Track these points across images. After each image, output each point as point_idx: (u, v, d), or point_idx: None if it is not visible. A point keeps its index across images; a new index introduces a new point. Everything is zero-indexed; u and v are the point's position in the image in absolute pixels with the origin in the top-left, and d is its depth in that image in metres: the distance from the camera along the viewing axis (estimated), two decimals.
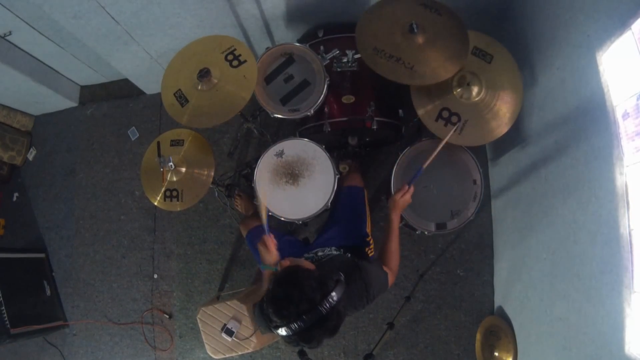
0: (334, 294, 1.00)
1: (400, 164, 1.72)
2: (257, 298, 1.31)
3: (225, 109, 1.62)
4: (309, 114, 1.72)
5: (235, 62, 1.66)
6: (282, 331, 0.99)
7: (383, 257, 1.37)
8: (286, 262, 1.15)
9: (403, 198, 1.40)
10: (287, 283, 1.02)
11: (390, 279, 1.31)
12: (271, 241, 1.28)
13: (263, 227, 1.29)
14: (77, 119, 2.90)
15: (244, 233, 1.84)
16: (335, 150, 2.19)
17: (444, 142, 1.46)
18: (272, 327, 1.02)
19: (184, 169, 1.80)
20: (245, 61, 1.66)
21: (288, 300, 0.98)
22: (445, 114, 1.59)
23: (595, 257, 1.29)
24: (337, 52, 1.71)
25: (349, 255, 1.44)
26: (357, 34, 1.51)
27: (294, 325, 0.96)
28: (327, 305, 0.98)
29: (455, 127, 1.54)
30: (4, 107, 2.81)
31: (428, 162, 1.44)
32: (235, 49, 1.67)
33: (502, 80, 1.60)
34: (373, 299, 1.23)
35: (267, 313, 1.01)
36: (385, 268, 1.31)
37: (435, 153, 1.44)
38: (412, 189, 1.42)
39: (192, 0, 1.85)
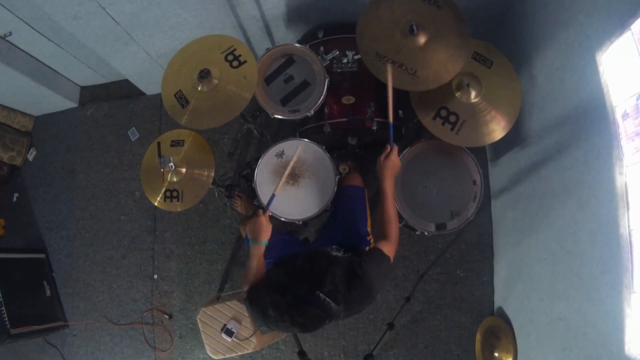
0: (332, 303, 1.01)
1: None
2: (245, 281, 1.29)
3: (226, 109, 1.62)
4: (309, 114, 1.72)
5: (235, 63, 1.66)
6: (277, 297, 1.00)
7: (381, 228, 1.33)
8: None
9: (388, 159, 1.35)
10: (322, 261, 1.05)
11: (391, 250, 1.27)
12: (268, 215, 1.37)
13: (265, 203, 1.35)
14: (77, 119, 2.91)
15: (244, 233, 1.84)
16: (335, 150, 2.19)
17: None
18: (275, 289, 1.03)
19: (184, 170, 1.80)
20: (245, 61, 1.66)
21: (311, 271, 1.02)
22: (444, 112, 1.59)
23: (595, 257, 1.29)
24: (337, 52, 1.71)
25: (349, 255, 1.44)
26: (357, 38, 1.50)
27: (292, 293, 0.99)
28: (329, 300, 1.00)
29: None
30: (4, 107, 2.81)
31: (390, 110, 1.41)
32: (235, 49, 1.67)
33: (501, 84, 1.61)
34: (377, 294, 1.23)
35: (274, 274, 1.03)
36: (384, 243, 1.27)
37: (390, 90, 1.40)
38: (395, 147, 1.37)
39: (192, 0, 1.85)
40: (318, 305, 1.00)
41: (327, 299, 1.00)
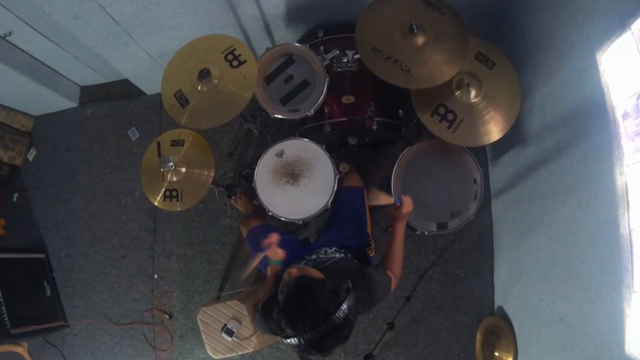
0: (345, 304, 0.99)
1: (400, 164, 1.72)
2: (257, 298, 1.31)
3: (226, 109, 1.62)
4: (309, 114, 1.72)
5: (235, 62, 1.66)
6: (294, 341, 0.98)
7: (387, 261, 1.37)
8: (294, 271, 1.13)
9: (398, 211, 1.40)
10: (301, 294, 1.01)
11: (393, 283, 1.31)
12: (274, 238, 1.33)
13: (266, 230, 1.35)
14: (77, 119, 2.90)
15: (245, 232, 1.84)
16: (335, 150, 2.19)
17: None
18: (283, 336, 1.01)
19: (184, 169, 1.80)
20: (245, 61, 1.66)
21: (302, 312, 0.97)
22: (442, 110, 1.60)
23: (595, 257, 1.29)
24: (337, 52, 1.71)
25: (350, 256, 1.44)
26: (357, 32, 1.51)
27: (308, 336, 0.96)
28: (341, 315, 0.98)
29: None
30: (4, 107, 2.81)
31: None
32: (235, 49, 1.67)
33: (501, 86, 1.62)
34: (376, 303, 1.24)
35: (279, 324, 1.01)
36: (388, 272, 1.32)
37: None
38: (407, 198, 1.41)
39: (192, 0, 1.85)
40: (339, 323, 0.98)
41: (340, 312, 0.98)
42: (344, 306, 0.99)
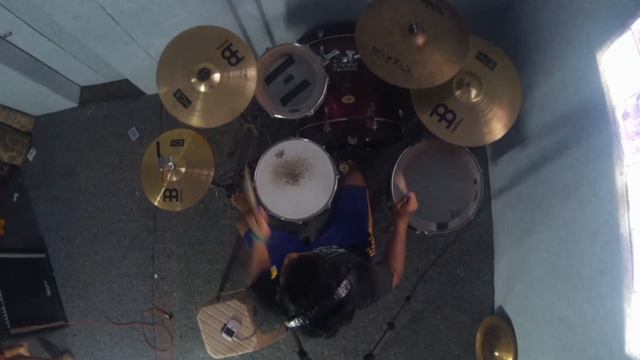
0: (347, 280, 1.00)
1: (400, 164, 1.72)
2: (248, 277, 1.32)
3: (227, 109, 1.61)
4: (309, 114, 1.72)
5: (233, 59, 1.64)
6: (298, 321, 0.97)
7: (388, 259, 1.36)
8: (294, 255, 1.12)
9: (403, 207, 1.39)
10: (303, 271, 1.02)
11: (395, 280, 1.31)
12: (262, 214, 1.34)
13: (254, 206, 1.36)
14: (77, 119, 2.91)
15: (242, 232, 1.84)
16: (335, 150, 2.19)
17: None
18: (287, 319, 1.00)
19: (183, 169, 1.80)
20: (243, 58, 1.63)
21: (305, 288, 0.97)
22: (441, 110, 1.60)
23: (595, 257, 1.29)
24: (337, 52, 1.71)
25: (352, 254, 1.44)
26: (357, 32, 1.51)
27: (311, 313, 0.96)
28: (344, 290, 0.98)
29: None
30: (4, 107, 2.81)
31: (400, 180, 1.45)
32: (231, 44, 1.64)
33: (502, 87, 1.61)
34: (377, 299, 1.24)
35: (282, 304, 1.00)
36: (390, 269, 1.32)
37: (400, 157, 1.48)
38: (412, 196, 1.40)
39: (192, 0, 1.85)
40: (342, 299, 0.98)
41: (343, 288, 0.98)
42: (346, 282, 0.99)
